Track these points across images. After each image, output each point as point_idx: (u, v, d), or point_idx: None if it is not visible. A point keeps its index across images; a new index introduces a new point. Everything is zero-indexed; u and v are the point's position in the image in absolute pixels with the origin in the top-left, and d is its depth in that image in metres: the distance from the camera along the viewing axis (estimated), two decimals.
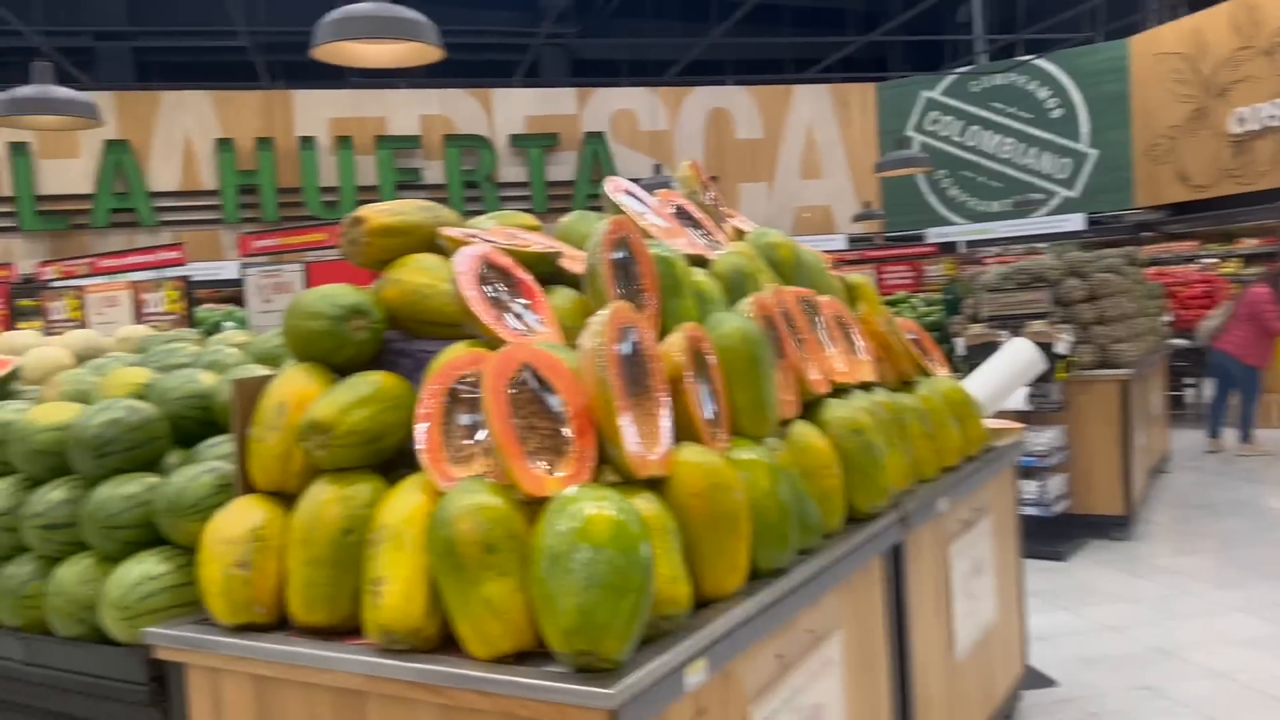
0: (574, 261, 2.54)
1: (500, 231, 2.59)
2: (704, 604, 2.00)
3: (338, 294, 2.29)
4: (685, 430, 2.12)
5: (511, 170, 16.73)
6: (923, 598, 3.00)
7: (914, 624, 2.91)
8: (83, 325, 4.54)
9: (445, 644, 1.88)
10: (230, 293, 9.89)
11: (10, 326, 5.32)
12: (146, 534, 2.30)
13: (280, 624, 2.09)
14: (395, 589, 1.85)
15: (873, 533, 2.60)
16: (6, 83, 6.10)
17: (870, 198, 17.64)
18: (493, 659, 1.78)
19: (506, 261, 2.34)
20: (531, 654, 1.79)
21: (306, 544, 2.01)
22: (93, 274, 4.60)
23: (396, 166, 16.20)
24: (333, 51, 4.62)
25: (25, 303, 5.15)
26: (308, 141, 15.85)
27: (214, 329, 5.40)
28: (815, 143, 18.14)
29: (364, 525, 2.01)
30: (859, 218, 15.59)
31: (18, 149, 14.95)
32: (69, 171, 15.25)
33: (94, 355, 3.70)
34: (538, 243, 2.54)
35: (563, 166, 16.90)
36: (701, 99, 17.61)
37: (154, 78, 16.87)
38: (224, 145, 15.59)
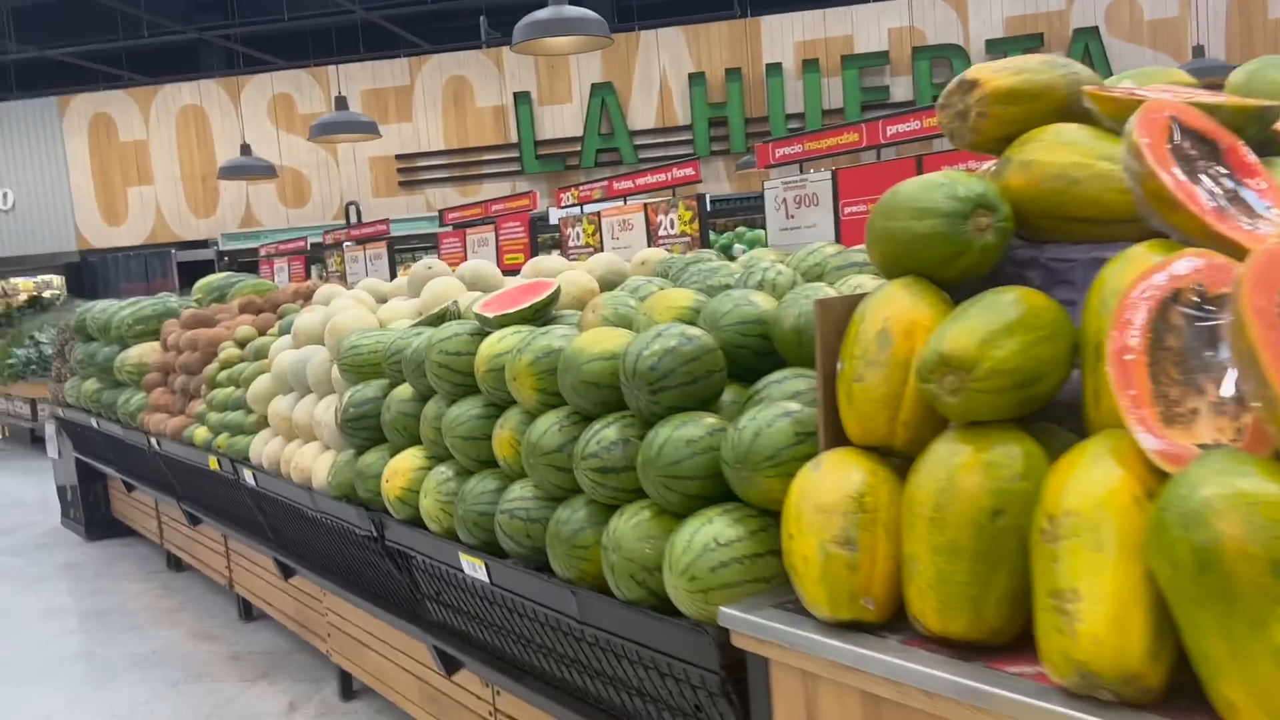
0: None
1: (1161, 90, 1.81)
2: None
3: (955, 183, 1.67)
4: None
5: None
6: None
7: None
8: (594, 248, 4.45)
9: (1173, 698, 1.23)
10: (723, 223, 9.89)
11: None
12: (710, 487, 1.88)
13: (892, 622, 1.56)
14: (1098, 611, 1.22)
15: None
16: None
17: None
18: None
19: (1207, 124, 1.58)
20: None
21: (936, 525, 1.45)
22: (608, 197, 4.51)
23: (863, 86, 15.42)
24: None
25: (544, 238, 5.30)
26: (774, 69, 15.57)
27: (726, 251, 5.16)
28: None
29: (1020, 505, 1.40)
30: None
31: (521, 98, 16.26)
32: (562, 116, 16.33)
33: (616, 280, 3.47)
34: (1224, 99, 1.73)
35: None
36: None
37: (634, 18, 17.54)
38: (696, 80, 15.79)
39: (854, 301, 1.74)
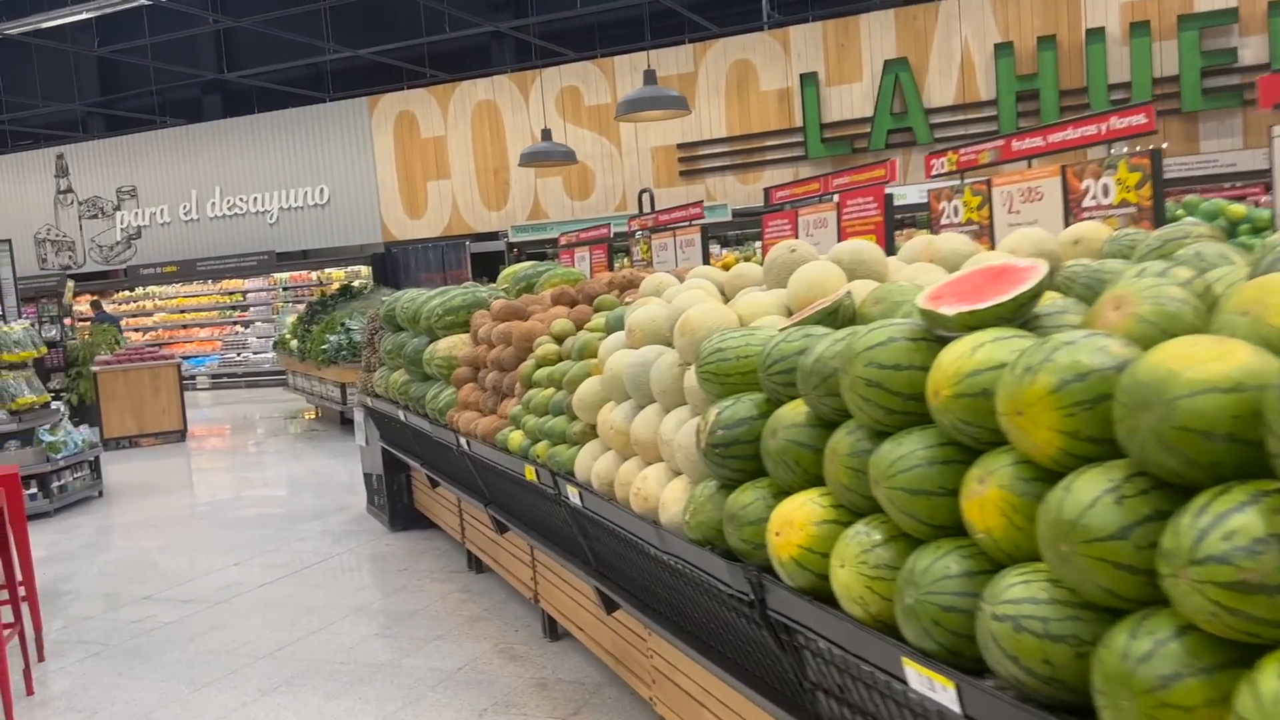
0: None
1: None
2: None
3: None
4: None
5: None
6: None
7: None
8: (981, 227, 3.53)
9: None
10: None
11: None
12: None
13: None
14: None
15: None
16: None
17: None
18: None
19: None
20: None
21: None
22: (1002, 160, 3.58)
23: (1204, 49, 13.30)
24: None
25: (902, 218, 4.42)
26: (1095, 34, 13.76)
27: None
28: None
29: None
30: None
31: (808, 79, 15.36)
32: (851, 96, 15.28)
33: (1050, 260, 2.56)
34: None
35: None
36: None
37: None
38: (1003, 50, 14.25)
39: None
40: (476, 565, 5.90)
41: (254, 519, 7.87)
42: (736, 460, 2.30)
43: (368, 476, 7.70)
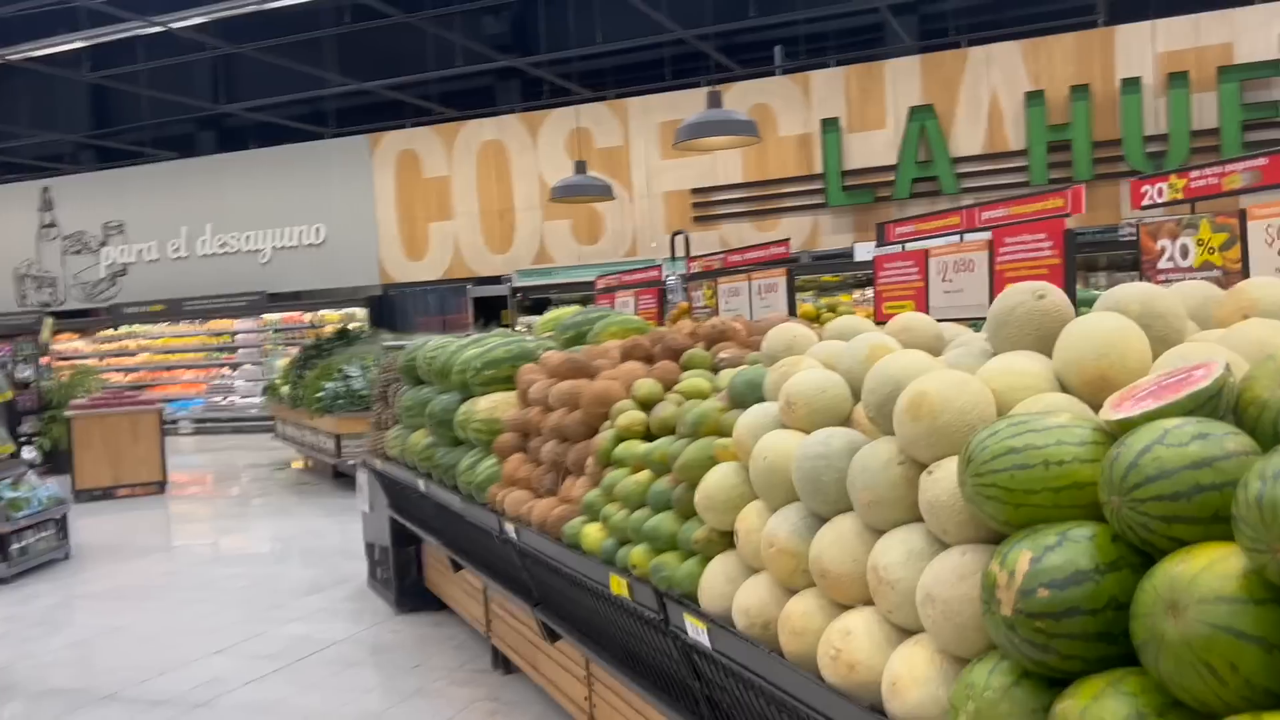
0: None
1: None
2: None
3: None
4: None
5: None
6: None
7: None
8: (1227, 273, 2.64)
9: None
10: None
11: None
12: None
13: None
14: None
15: None
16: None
17: None
18: None
19: None
20: None
21: None
22: (1264, 184, 2.67)
23: (1244, 102, 12.67)
24: None
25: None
26: (1130, 84, 13.12)
27: None
28: None
29: None
30: None
31: (829, 125, 14.65)
32: (874, 143, 14.57)
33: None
34: None
35: None
36: None
37: (959, 33, 15.51)
38: (1033, 99, 13.58)
39: None
40: (504, 664, 4.91)
41: (240, 591, 6.83)
42: (1070, 640, 1.37)
43: (370, 547, 6.71)
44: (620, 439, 3.09)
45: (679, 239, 8.26)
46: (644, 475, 2.85)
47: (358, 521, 9.06)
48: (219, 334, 19.42)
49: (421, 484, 4.79)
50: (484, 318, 16.83)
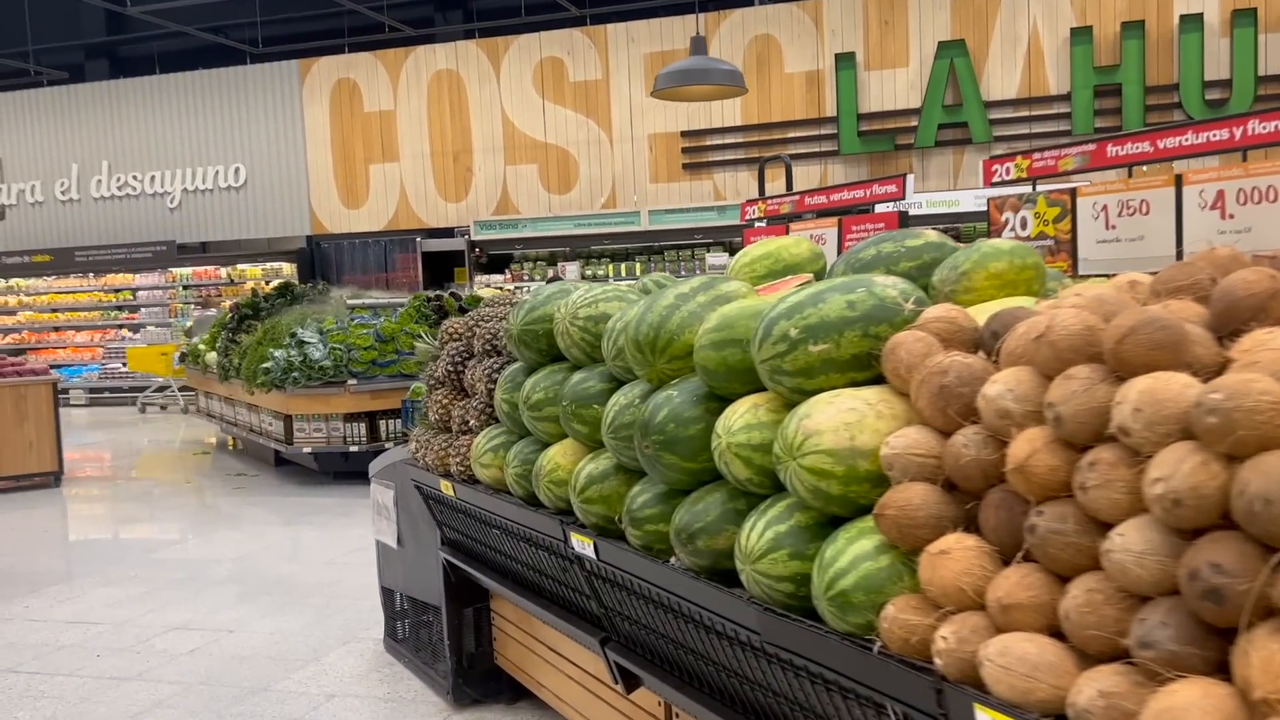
0: None
1: None
2: None
3: None
4: None
5: None
6: None
7: None
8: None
9: None
10: None
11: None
12: None
13: None
14: None
15: None
16: None
17: None
18: None
19: None
20: None
21: None
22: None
23: None
24: None
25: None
26: (1190, 22, 11.49)
27: None
28: None
29: None
30: None
31: (843, 61, 12.65)
32: (895, 83, 12.65)
33: None
34: None
35: None
36: None
37: None
38: (1079, 36, 11.84)
39: None
40: None
41: (188, 673, 4.45)
42: None
43: (391, 595, 4.47)
44: None
45: (766, 168, 6.09)
46: None
47: (322, 529, 6.73)
48: (117, 290, 16.43)
49: (590, 547, 2.57)
50: (438, 275, 14.40)
